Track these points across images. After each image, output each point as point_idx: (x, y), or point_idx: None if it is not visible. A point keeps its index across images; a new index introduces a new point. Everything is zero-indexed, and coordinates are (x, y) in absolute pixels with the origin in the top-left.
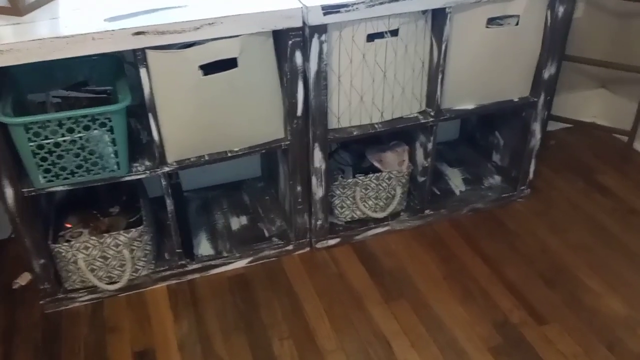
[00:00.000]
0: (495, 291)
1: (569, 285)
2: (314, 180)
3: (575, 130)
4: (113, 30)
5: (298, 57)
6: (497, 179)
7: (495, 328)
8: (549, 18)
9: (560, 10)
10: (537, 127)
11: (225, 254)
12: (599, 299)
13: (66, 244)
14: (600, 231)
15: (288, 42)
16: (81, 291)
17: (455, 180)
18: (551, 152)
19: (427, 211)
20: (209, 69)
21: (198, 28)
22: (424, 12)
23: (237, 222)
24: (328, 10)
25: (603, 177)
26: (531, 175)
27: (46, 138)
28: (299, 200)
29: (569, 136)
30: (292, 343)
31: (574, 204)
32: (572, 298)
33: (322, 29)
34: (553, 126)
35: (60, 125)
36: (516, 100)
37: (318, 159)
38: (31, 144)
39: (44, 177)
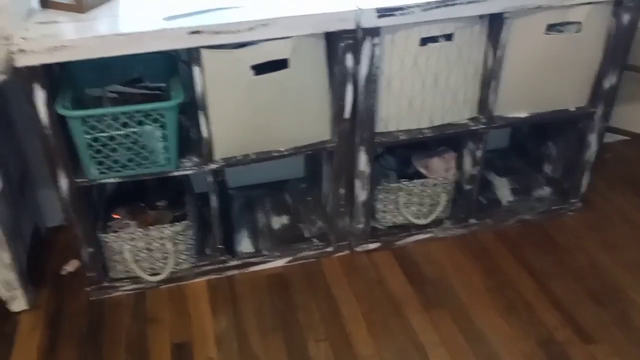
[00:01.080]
0: (540, 307)
1: (619, 304)
2: (357, 183)
3: (633, 144)
4: (170, 29)
5: (349, 60)
6: (547, 190)
7: (539, 345)
8: (612, 26)
9: (626, 17)
10: (593, 139)
11: (265, 253)
12: None
13: (114, 234)
14: None
15: (340, 44)
16: (125, 281)
17: (503, 190)
18: (606, 165)
19: (472, 220)
20: (261, 69)
21: (252, 29)
22: (481, 17)
23: (278, 222)
24: (383, 13)
25: None
26: (584, 188)
27: (101, 131)
28: (342, 202)
29: (626, 149)
30: (328, 345)
31: (629, 220)
32: (622, 318)
33: (375, 32)
34: (610, 138)
35: (115, 119)
36: (572, 110)
37: (363, 162)
38: (87, 136)
39: (97, 169)
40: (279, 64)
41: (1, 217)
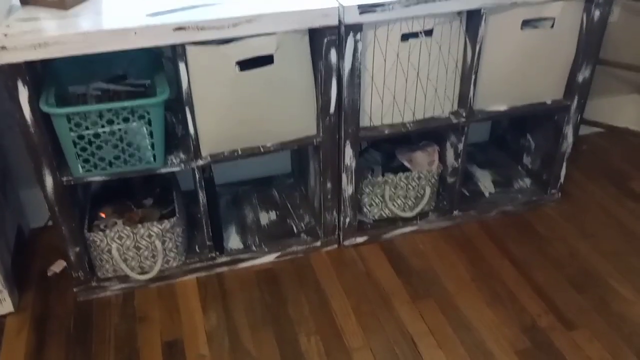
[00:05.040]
0: (523, 295)
1: (598, 290)
2: (344, 177)
3: (608, 136)
4: (155, 25)
5: (333, 55)
6: (527, 182)
7: (523, 332)
8: (584, 22)
9: (596, 14)
10: (569, 131)
11: (254, 248)
12: (629, 305)
13: (101, 233)
14: (631, 238)
15: (323, 40)
16: (113, 280)
17: (485, 182)
18: (583, 157)
19: (455, 212)
20: (246, 65)
21: (236, 25)
22: (459, 12)
23: (267, 217)
24: (364, 9)
25: (635, 183)
26: (562, 179)
27: (86, 129)
28: (329, 197)
29: (601, 141)
30: (319, 339)
31: (605, 209)
32: (601, 304)
33: (357, 28)
34: (585, 130)
35: (100, 116)
36: (549, 103)
37: (349, 156)
38: (72, 134)
39: (83, 167)
40: (264, 60)
41: None
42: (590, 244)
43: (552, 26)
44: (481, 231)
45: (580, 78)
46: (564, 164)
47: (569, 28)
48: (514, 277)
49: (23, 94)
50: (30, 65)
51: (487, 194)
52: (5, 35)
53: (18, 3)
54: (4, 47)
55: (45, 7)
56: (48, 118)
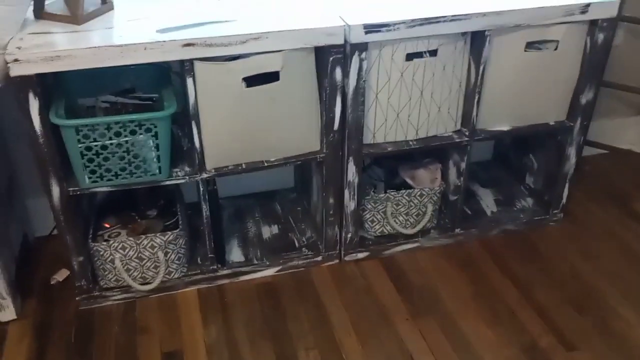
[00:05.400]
0: (524, 314)
1: (599, 312)
2: (346, 193)
3: (611, 157)
4: (164, 41)
5: (338, 73)
6: (529, 201)
7: (523, 352)
8: (588, 44)
9: (600, 37)
10: (572, 152)
11: (255, 262)
12: (630, 327)
13: (105, 243)
14: (633, 259)
15: (329, 58)
16: (115, 290)
17: (487, 200)
18: (586, 178)
19: (457, 230)
20: (252, 81)
21: (244, 42)
22: (464, 34)
23: (269, 231)
24: (370, 29)
25: (638, 205)
26: (564, 200)
27: (94, 140)
28: (331, 212)
29: (604, 162)
30: (317, 354)
31: (608, 230)
32: (602, 325)
33: (362, 47)
34: (588, 151)
35: (108, 128)
36: (552, 123)
37: (352, 172)
38: (80, 145)
39: (90, 178)
40: (270, 77)
41: None
42: (592, 264)
43: (556, 48)
44: (482, 250)
45: (583, 100)
46: (567, 185)
47: (573, 50)
48: (515, 296)
49: (34, 105)
50: (41, 77)
51: (489, 213)
52: (19, 48)
53: (32, 17)
54: (17, 60)
55: (59, 21)
56: (56, 129)
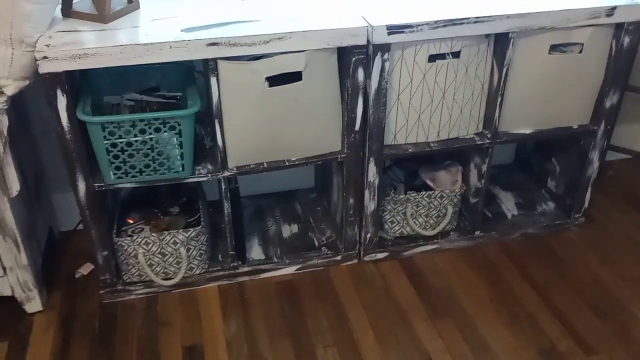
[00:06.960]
0: (542, 318)
1: (619, 317)
2: (366, 194)
3: (634, 162)
4: (189, 40)
5: (360, 74)
6: (550, 205)
7: (541, 355)
8: (613, 48)
9: (626, 40)
10: (595, 156)
11: (275, 260)
12: None
13: (128, 238)
14: None
15: (351, 58)
16: (138, 284)
17: (508, 204)
18: (608, 183)
19: (477, 232)
20: (275, 81)
21: (267, 42)
22: (487, 35)
23: (289, 230)
24: (393, 30)
25: None
26: (586, 204)
27: (120, 137)
28: (351, 212)
29: (627, 167)
30: (335, 351)
31: (629, 236)
32: (622, 330)
33: (385, 48)
34: (612, 156)
35: (133, 126)
36: (575, 127)
37: (372, 173)
38: (106, 142)
39: (115, 174)
40: (293, 76)
41: (19, 219)
42: (612, 270)
43: (581, 51)
44: (502, 253)
45: (607, 104)
46: (589, 189)
47: (598, 54)
48: (534, 300)
49: (61, 102)
50: (68, 74)
51: (509, 216)
52: (48, 45)
53: (60, 15)
54: (45, 57)
55: (86, 20)
56: (83, 126)
